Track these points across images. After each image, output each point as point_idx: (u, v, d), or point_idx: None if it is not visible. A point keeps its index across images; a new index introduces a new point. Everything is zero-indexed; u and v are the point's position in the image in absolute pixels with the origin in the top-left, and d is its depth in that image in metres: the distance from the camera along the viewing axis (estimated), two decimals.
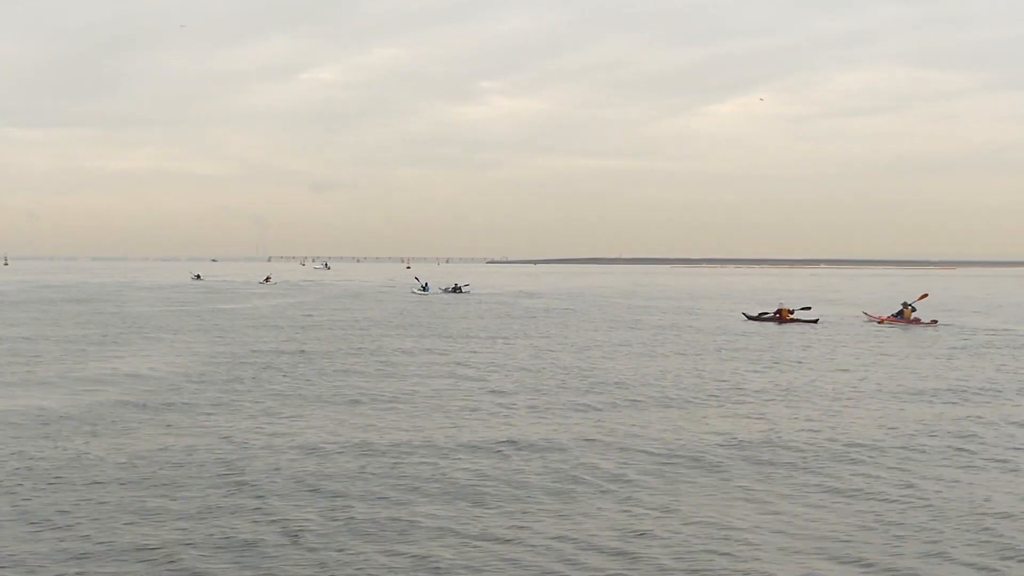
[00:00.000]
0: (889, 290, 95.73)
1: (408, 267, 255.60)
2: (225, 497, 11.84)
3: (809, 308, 46.32)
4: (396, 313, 50.93)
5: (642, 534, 10.56)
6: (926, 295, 46.02)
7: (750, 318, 44.99)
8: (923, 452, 15.07)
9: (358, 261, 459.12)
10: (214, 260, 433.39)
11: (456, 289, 77.14)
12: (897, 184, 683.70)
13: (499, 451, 14.78)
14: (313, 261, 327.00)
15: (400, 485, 12.54)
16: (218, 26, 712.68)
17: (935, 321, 43.89)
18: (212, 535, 10.30)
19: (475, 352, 30.24)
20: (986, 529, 10.87)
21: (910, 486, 12.80)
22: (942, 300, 71.97)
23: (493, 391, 21.41)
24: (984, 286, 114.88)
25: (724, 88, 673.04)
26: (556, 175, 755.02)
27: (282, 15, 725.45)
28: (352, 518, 10.98)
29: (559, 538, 10.36)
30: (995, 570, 9.59)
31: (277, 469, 13.37)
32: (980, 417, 18.50)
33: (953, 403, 20.39)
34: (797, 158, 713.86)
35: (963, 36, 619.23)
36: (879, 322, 44.46)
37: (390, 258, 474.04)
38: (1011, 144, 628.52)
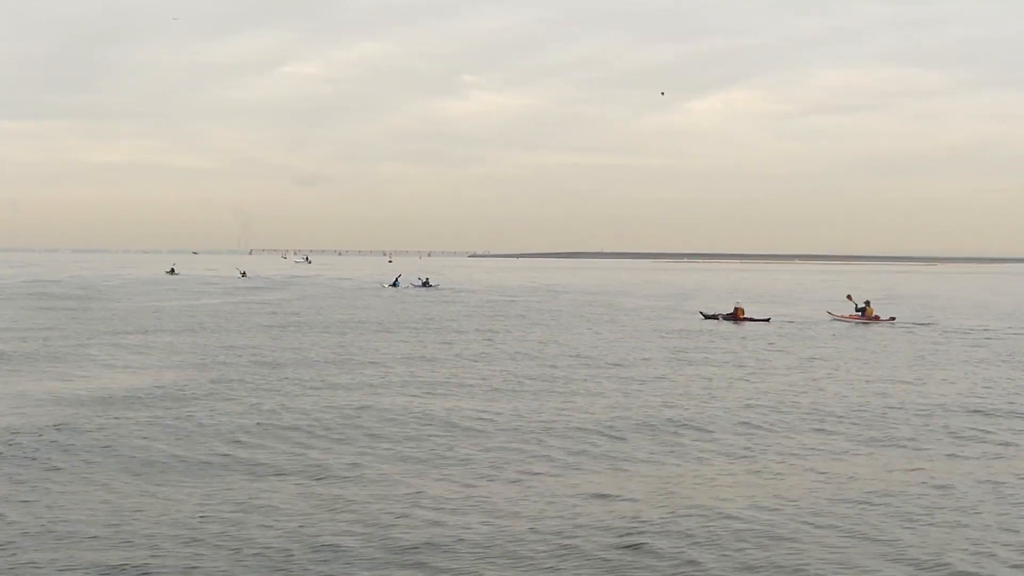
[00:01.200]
0: (867, 287, 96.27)
1: (390, 261, 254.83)
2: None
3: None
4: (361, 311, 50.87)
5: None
6: (849, 295, 49.23)
7: (707, 317, 45.58)
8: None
9: (340, 254, 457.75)
10: (195, 253, 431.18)
11: (425, 284, 78.15)
12: (878, 181, 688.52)
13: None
14: (295, 254, 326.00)
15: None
16: (203, 20, 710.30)
17: (893, 318, 45.18)
18: None
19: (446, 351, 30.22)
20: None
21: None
22: (910, 298, 72.49)
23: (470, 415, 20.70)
24: (959, 283, 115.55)
25: (706, 85, 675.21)
26: (539, 170, 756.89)
27: (267, 9, 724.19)
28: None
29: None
30: None
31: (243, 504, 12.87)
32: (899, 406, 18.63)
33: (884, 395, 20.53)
34: (779, 154, 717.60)
35: (945, 35, 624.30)
36: (844, 319, 45.48)
37: (372, 251, 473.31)
38: (992, 142, 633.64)
